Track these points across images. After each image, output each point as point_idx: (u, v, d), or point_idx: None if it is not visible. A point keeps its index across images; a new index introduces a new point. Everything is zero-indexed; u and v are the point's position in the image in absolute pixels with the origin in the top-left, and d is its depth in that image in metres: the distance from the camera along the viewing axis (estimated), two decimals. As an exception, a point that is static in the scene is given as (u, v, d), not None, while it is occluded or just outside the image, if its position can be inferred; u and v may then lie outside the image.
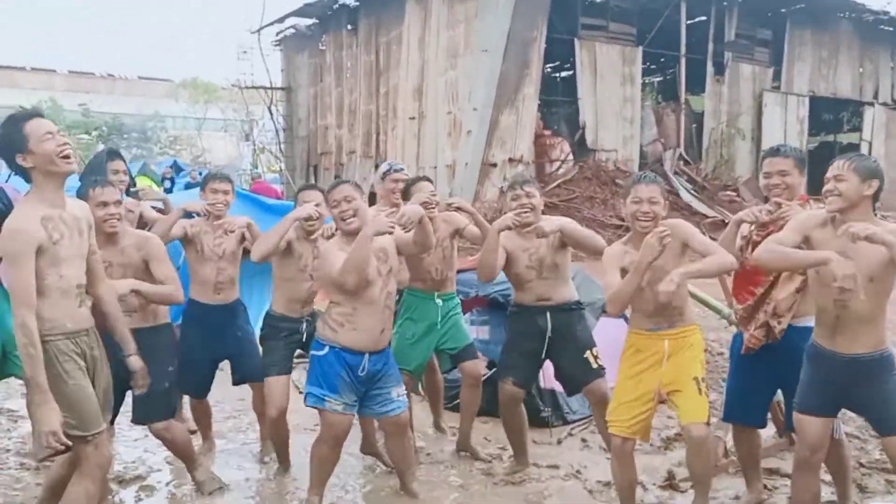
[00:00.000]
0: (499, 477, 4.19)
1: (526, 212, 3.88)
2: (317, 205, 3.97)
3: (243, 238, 4.30)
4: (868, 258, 2.85)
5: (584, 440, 4.78)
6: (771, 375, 3.54)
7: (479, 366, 4.51)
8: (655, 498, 3.95)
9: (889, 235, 2.74)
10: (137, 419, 3.82)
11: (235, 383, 4.45)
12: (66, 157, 2.81)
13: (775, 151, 3.60)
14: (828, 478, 3.86)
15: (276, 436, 4.21)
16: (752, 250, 3.48)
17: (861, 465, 4.28)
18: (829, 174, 2.99)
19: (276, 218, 6.37)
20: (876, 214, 3.08)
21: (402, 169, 4.74)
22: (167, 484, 4.15)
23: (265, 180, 19.33)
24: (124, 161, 4.72)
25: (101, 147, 29.78)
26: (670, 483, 4.06)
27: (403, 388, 3.76)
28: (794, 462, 3.36)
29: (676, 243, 3.30)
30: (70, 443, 2.81)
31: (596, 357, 4.03)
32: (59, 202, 2.86)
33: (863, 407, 3.13)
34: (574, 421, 5.02)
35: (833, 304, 2.96)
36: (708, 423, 3.37)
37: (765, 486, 3.93)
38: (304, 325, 4.10)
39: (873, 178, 2.92)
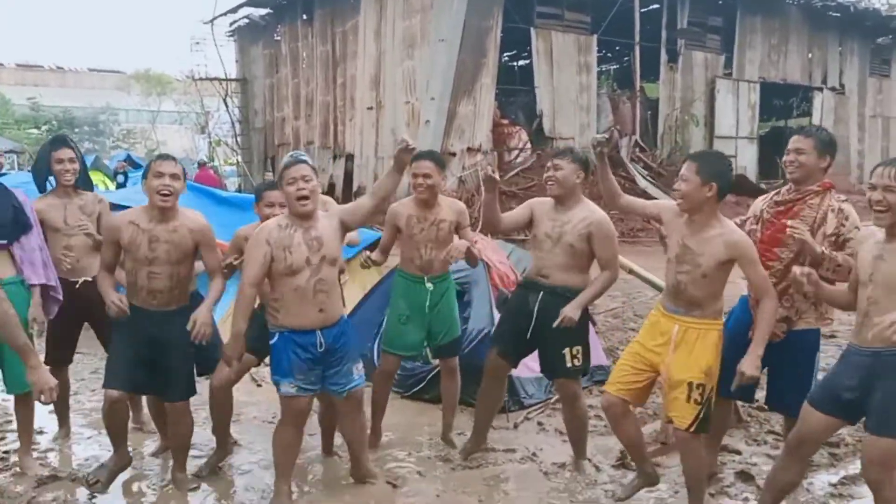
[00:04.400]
0: (456, 462, 4.24)
1: (551, 184, 3.91)
2: (282, 205, 3.88)
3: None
4: None
5: (540, 423, 4.86)
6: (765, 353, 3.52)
7: (455, 360, 4.47)
8: (608, 478, 4.04)
9: None
10: (164, 396, 3.89)
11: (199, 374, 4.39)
12: None
13: (800, 130, 3.67)
14: (775, 453, 4.01)
15: (216, 411, 4.13)
16: (762, 227, 3.57)
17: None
18: (874, 181, 2.89)
19: (229, 211, 6.36)
20: None
21: (304, 161, 4.74)
22: (122, 482, 4.11)
23: (211, 168, 19.05)
24: (73, 148, 4.38)
25: (51, 142, 29.16)
26: (623, 462, 4.15)
27: (361, 365, 3.73)
28: (782, 447, 3.39)
29: (726, 253, 3.24)
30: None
31: (574, 356, 3.93)
32: None
33: (868, 403, 2.97)
34: (531, 405, 5.09)
35: (865, 302, 2.93)
36: (690, 431, 3.33)
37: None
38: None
39: None
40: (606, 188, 3.86)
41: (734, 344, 3.65)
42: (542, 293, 3.92)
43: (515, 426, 4.81)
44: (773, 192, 3.71)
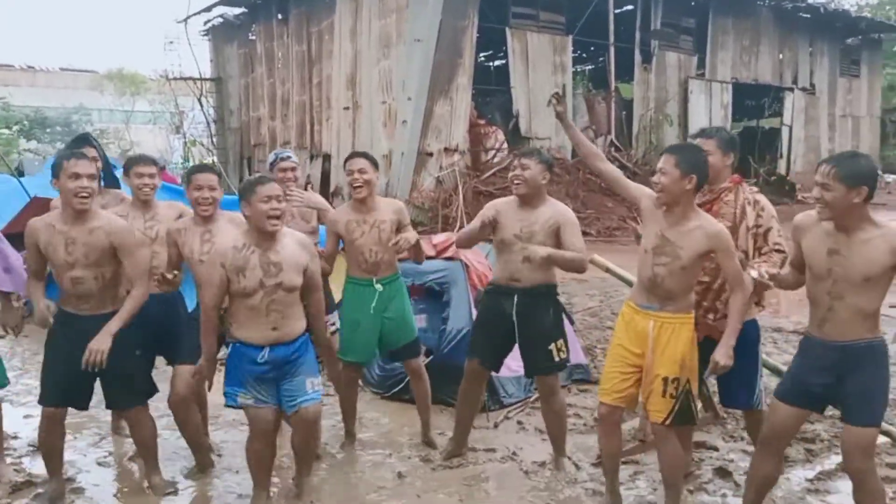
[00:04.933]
0: (436, 462, 4.25)
1: (518, 183, 3.91)
2: (211, 188, 3.92)
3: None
4: (862, 258, 2.89)
5: (519, 423, 4.88)
6: (707, 350, 3.54)
7: (418, 360, 4.46)
8: (588, 476, 4.07)
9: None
10: (110, 405, 3.85)
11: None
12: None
13: (700, 133, 3.74)
14: (751, 448, 4.06)
15: (182, 426, 4.05)
16: None
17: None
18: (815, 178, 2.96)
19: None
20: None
21: (289, 157, 4.72)
22: (97, 486, 4.07)
23: (168, 172, 18.88)
24: (95, 147, 4.31)
25: (22, 142, 28.65)
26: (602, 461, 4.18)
27: (318, 380, 3.62)
28: (756, 444, 3.44)
29: (706, 245, 3.28)
30: None
31: (559, 349, 3.97)
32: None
33: (838, 394, 3.05)
34: (510, 404, 5.11)
35: (827, 297, 2.97)
36: (665, 424, 3.37)
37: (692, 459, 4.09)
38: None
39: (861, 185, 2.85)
40: (579, 145, 3.90)
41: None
42: (516, 296, 3.93)
43: (496, 425, 4.83)
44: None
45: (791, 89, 23.32)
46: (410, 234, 4.10)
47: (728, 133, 3.70)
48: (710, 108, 21.30)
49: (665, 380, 3.33)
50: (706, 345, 3.44)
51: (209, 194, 3.91)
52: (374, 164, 4.24)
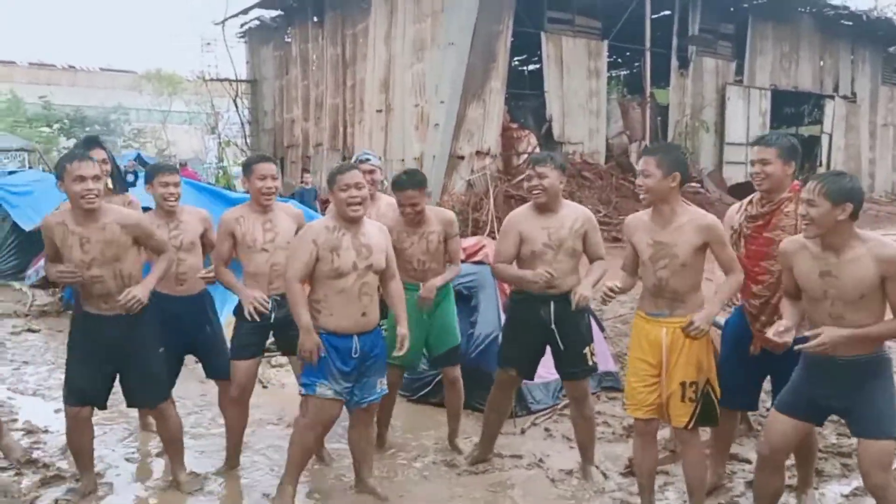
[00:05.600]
0: (462, 467, 4.20)
1: (538, 192, 3.87)
2: (273, 178, 3.95)
3: (204, 231, 4.23)
4: (853, 277, 2.87)
5: (547, 430, 4.82)
6: (762, 362, 3.52)
7: (457, 369, 4.41)
8: (616, 485, 4.00)
9: None
10: (131, 403, 3.87)
11: (209, 377, 4.36)
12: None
13: (759, 140, 3.62)
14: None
15: (232, 421, 4.09)
16: (745, 243, 3.52)
17: (819, 449, 4.38)
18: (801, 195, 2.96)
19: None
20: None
21: (368, 159, 4.68)
22: (126, 482, 4.09)
23: (189, 168, 19.26)
24: (105, 149, 4.31)
25: (62, 140, 29.23)
26: (631, 470, 4.10)
27: (385, 379, 3.73)
28: (756, 459, 3.38)
29: (700, 238, 3.26)
30: None
31: (592, 353, 3.98)
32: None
33: (846, 409, 3.03)
34: (538, 411, 5.05)
35: (828, 318, 2.95)
36: (688, 428, 3.33)
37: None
38: (272, 305, 3.89)
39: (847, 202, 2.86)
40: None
41: (734, 353, 3.63)
42: (553, 303, 3.89)
43: (522, 432, 4.77)
44: (746, 202, 3.62)
45: (832, 97, 22.89)
46: (427, 293, 4.11)
47: (789, 140, 3.54)
48: (748, 115, 20.98)
49: (683, 384, 3.31)
50: (764, 356, 3.42)
51: (272, 184, 3.95)
52: (423, 186, 4.16)
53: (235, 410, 4.06)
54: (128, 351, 3.63)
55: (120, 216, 3.59)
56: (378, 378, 3.65)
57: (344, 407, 3.64)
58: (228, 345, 4.10)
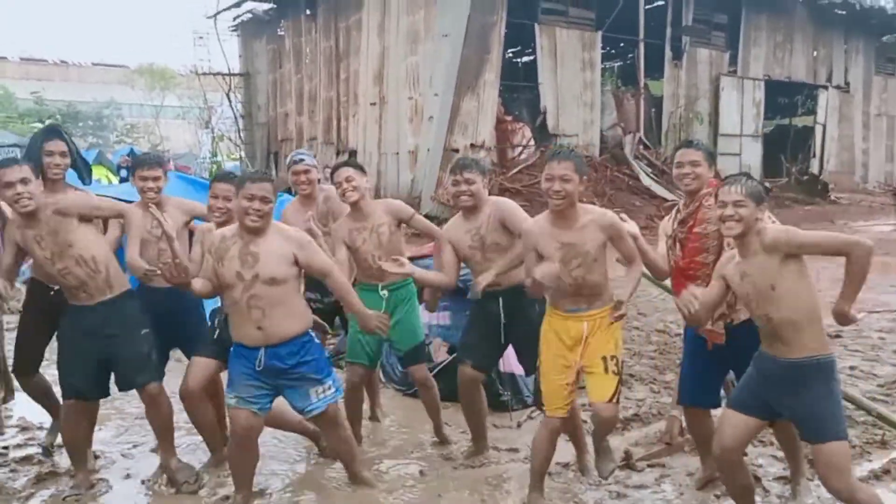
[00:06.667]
0: (458, 461, 4.21)
1: (558, 201, 3.65)
2: (226, 198, 3.90)
3: (189, 221, 4.16)
4: (763, 271, 2.97)
5: (543, 422, 4.82)
6: (723, 358, 3.58)
7: (424, 369, 4.38)
8: (613, 478, 4.00)
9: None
10: (123, 386, 3.83)
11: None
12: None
13: (688, 143, 3.79)
14: (780, 454, 3.97)
15: (193, 419, 4.04)
16: (680, 248, 3.63)
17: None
18: (724, 198, 3.05)
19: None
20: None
21: (302, 160, 4.73)
22: (121, 477, 4.09)
23: (183, 166, 19.24)
24: (66, 140, 4.08)
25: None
26: (627, 463, 4.11)
27: (326, 386, 3.55)
28: (712, 458, 3.40)
29: (604, 234, 3.39)
30: None
31: None
32: None
33: (792, 412, 3.05)
34: (533, 404, 5.04)
35: (760, 319, 3.04)
36: (611, 401, 3.43)
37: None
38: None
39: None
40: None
41: (696, 354, 3.69)
42: (500, 297, 3.94)
43: (518, 425, 4.77)
44: (675, 211, 3.73)
45: (825, 87, 22.92)
46: (389, 266, 3.89)
47: (707, 145, 3.86)
48: (741, 106, 21.00)
49: (605, 358, 3.42)
50: (722, 352, 3.49)
51: (223, 204, 3.94)
52: (362, 171, 4.20)
53: (188, 408, 3.98)
54: (112, 336, 3.65)
55: (54, 204, 3.62)
56: (309, 387, 3.49)
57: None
58: None
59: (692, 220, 3.57)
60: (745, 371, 3.25)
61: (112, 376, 3.80)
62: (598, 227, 3.40)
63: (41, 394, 4.29)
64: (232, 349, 3.52)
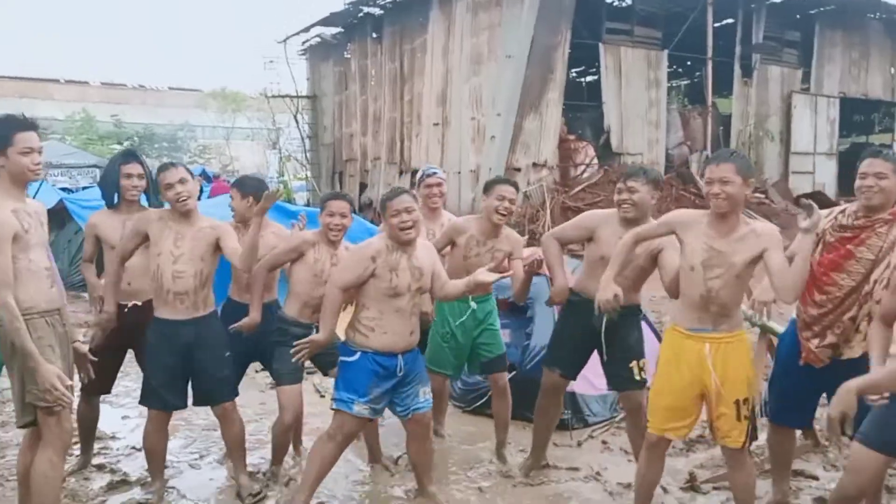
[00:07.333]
0: (517, 479, 4.17)
1: (626, 207, 3.79)
2: (343, 216, 4.01)
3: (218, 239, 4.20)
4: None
5: (604, 442, 4.75)
6: (822, 380, 3.38)
7: (505, 377, 4.44)
8: (676, 500, 3.91)
9: None
10: (201, 402, 3.97)
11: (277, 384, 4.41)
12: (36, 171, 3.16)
13: (876, 153, 3.40)
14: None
15: (284, 440, 4.18)
16: (823, 250, 3.38)
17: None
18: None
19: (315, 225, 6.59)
20: None
21: (434, 173, 4.76)
22: (189, 487, 4.18)
23: (225, 180, 19.59)
24: (142, 164, 4.18)
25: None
26: (692, 485, 4.01)
27: (429, 388, 3.74)
28: (834, 493, 3.13)
29: (759, 245, 3.13)
30: (70, 396, 3.09)
31: (641, 369, 3.90)
32: (21, 198, 3.16)
33: None
34: (594, 423, 4.98)
35: None
36: (744, 447, 3.23)
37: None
38: (315, 332, 3.91)
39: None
40: None
41: (788, 368, 3.53)
42: (606, 313, 3.81)
43: (579, 444, 4.71)
44: (838, 211, 3.46)
45: (903, 104, 22.06)
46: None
47: None
48: (815, 124, 20.38)
49: (738, 402, 3.17)
50: (818, 371, 3.34)
51: (340, 221, 4.03)
52: (516, 188, 4.31)
53: (287, 432, 4.14)
54: (201, 353, 3.79)
55: (215, 225, 3.88)
56: (420, 387, 3.66)
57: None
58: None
59: (852, 234, 3.31)
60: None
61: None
62: (756, 238, 3.12)
63: (91, 420, 4.29)
64: (360, 357, 3.53)
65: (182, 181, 3.74)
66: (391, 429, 4.37)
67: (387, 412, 3.79)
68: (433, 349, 4.36)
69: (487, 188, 4.27)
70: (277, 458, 4.20)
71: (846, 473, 3.02)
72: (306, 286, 4.03)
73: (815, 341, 3.40)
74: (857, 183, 3.33)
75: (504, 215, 4.19)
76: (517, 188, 4.28)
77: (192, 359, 3.79)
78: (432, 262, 3.69)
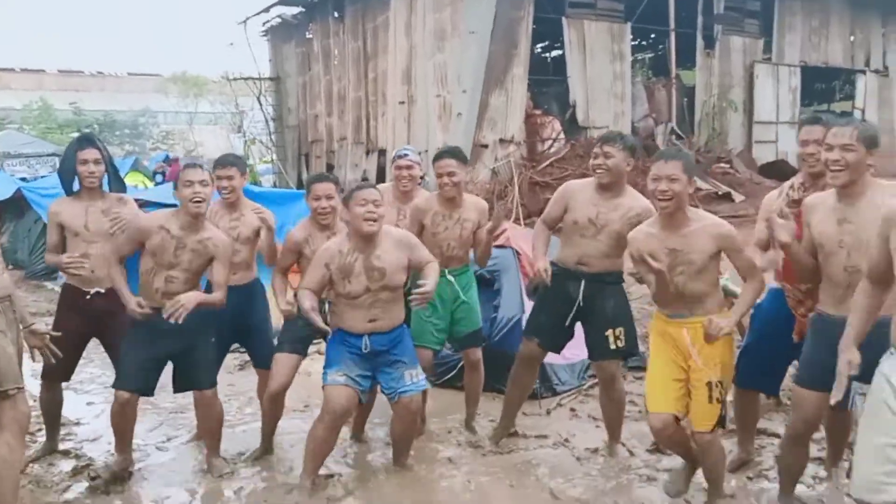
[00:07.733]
0: (487, 448, 4.20)
1: (601, 171, 3.80)
2: (329, 197, 3.95)
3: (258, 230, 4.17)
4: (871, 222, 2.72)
5: (572, 409, 4.80)
6: (794, 347, 3.41)
7: (479, 352, 4.45)
8: (642, 462, 3.97)
9: None
10: (181, 387, 3.92)
11: (255, 367, 4.42)
12: None
13: (815, 120, 3.44)
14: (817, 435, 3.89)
15: (269, 414, 4.16)
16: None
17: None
18: (831, 141, 2.83)
19: (283, 207, 6.58)
20: None
21: (405, 155, 4.68)
22: (158, 466, 4.14)
23: (178, 161, 19.30)
24: (99, 149, 4.03)
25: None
26: (657, 447, 4.06)
27: (419, 371, 3.72)
28: (787, 434, 3.31)
29: (714, 245, 3.18)
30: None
31: (617, 338, 3.89)
32: None
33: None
34: (563, 392, 5.02)
35: (845, 270, 2.87)
36: (714, 431, 3.25)
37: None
38: (327, 307, 3.89)
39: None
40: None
41: (763, 336, 3.57)
42: (583, 281, 3.87)
43: (548, 412, 4.75)
44: (787, 187, 3.49)
45: (863, 72, 22.35)
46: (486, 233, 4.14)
47: (872, 127, 3.17)
48: (777, 93, 20.61)
49: (709, 384, 3.19)
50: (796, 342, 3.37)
51: (326, 203, 3.96)
52: (464, 162, 4.25)
53: (272, 404, 4.10)
54: (187, 338, 3.73)
55: (216, 237, 3.81)
56: (406, 370, 3.66)
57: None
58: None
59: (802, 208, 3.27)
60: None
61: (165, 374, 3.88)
62: (709, 237, 3.19)
63: (54, 406, 4.21)
64: (334, 334, 3.68)
65: (203, 183, 3.68)
66: (377, 407, 4.34)
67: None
68: (416, 324, 4.35)
69: (433, 164, 4.25)
70: (265, 438, 4.22)
71: (792, 412, 3.21)
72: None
73: (801, 309, 3.43)
74: (800, 150, 3.41)
75: (452, 186, 4.15)
76: (459, 157, 4.19)
77: (179, 344, 3.74)
78: (402, 257, 3.63)
